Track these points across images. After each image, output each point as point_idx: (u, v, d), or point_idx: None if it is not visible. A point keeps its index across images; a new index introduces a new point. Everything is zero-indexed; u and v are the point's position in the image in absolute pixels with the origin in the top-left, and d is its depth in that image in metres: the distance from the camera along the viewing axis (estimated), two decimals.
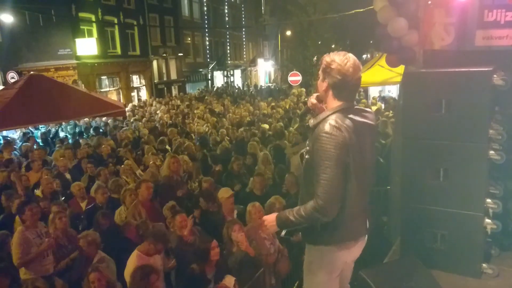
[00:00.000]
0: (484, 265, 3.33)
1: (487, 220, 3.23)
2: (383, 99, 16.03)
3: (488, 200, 3.23)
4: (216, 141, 9.01)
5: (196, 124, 11.60)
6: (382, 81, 13.11)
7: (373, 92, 17.77)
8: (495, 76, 3.07)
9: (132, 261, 3.95)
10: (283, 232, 2.45)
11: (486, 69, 3.11)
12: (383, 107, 13.71)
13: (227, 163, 7.16)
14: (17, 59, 18.84)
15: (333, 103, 2.35)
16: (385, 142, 7.54)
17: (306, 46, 31.72)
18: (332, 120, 2.23)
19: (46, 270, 4.42)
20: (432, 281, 3.13)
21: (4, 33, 18.88)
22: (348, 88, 2.31)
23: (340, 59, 2.28)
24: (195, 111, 14.92)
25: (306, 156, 2.37)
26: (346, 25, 36.14)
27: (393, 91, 15.95)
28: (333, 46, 49.58)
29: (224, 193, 5.32)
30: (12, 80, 15.42)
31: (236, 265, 4.22)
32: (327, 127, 2.20)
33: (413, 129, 3.45)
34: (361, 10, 11.28)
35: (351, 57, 2.30)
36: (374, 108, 13.72)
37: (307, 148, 2.36)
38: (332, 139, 2.17)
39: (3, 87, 12.23)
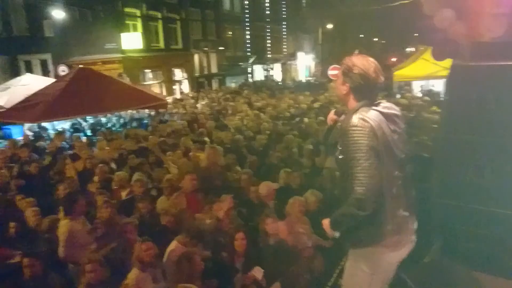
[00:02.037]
0: None
1: None
2: (428, 93, 15.47)
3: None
4: (250, 135, 9.04)
5: (234, 117, 11.71)
6: (426, 75, 12.67)
7: (417, 87, 17.19)
8: None
9: (171, 250, 4.08)
10: (336, 234, 2.45)
11: None
12: (425, 102, 13.21)
13: (263, 156, 7.19)
14: (67, 53, 19.74)
15: (354, 103, 2.39)
16: (427, 138, 7.29)
17: (347, 39, 31.01)
18: (357, 114, 2.27)
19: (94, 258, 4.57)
20: (473, 283, 3.03)
21: (56, 28, 19.87)
22: (370, 92, 2.35)
23: (362, 63, 2.32)
24: (233, 104, 15.04)
25: (340, 157, 2.37)
26: (389, 17, 35.03)
27: (437, 86, 15.34)
28: (375, 39, 48.45)
29: (266, 186, 5.34)
30: (63, 73, 16.18)
31: (270, 257, 4.26)
32: (353, 120, 2.24)
33: (458, 125, 3.33)
34: (406, 1, 10.91)
35: (372, 61, 2.35)
36: (420, 102, 13.28)
37: (339, 148, 2.37)
38: (360, 130, 2.20)
39: (54, 79, 12.85)
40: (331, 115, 2.74)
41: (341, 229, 2.45)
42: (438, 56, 4.81)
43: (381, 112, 2.31)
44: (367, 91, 2.34)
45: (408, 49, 37.56)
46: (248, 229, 4.66)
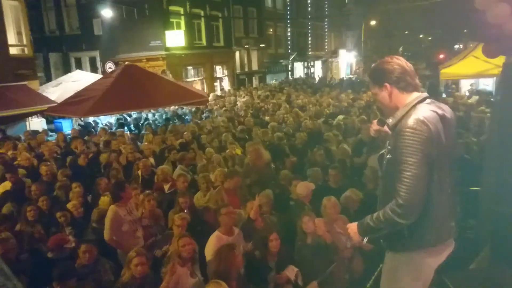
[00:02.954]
0: None
1: None
2: (477, 92, 14.75)
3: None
4: (290, 133, 9.00)
5: (274, 115, 11.70)
6: (477, 73, 12.05)
7: (465, 85, 16.44)
8: None
9: (213, 241, 4.16)
10: (365, 240, 2.37)
11: None
12: (476, 102, 12.61)
13: (302, 154, 7.15)
14: (114, 51, 20.53)
15: (404, 98, 2.26)
16: (476, 140, 6.97)
17: (392, 36, 30.19)
18: (415, 114, 2.11)
19: (136, 243, 4.73)
20: None
21: (104, 27, 20.71)
22: (409, 77, 2.25)
23: (383, 60, 2.32)
24: (274, 101, 15.03)
25: (388, 156, 2.25)
26: (436, 12, 33.70)
27: (489, 84, 14.58)
28: (421, 36, 46.79)
29: (304, 186, 5.30)
30: (110, 70, 16.83)
31: (309, 255, 4.23)
32: (411, 121, 2.08)
33: (510, 126, 3.15)
34: None
35: (393, 57, 2.32)
36: (469, 101, 12.72)
37: (388, 147, 2.26)
38: (417, 134, 2.04)
39: (102, 76, 13.41)
40: (374, 126, 2.61)
41: (372, 236, 2.34)
42: (490, 53, 4.58)
43: (438, 115, 2.17)
44: (406, 77, 2.24)
45: (456, 46, 35.96)
46: (285, 228, 4.66)
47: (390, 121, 2.29)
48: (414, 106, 2.19)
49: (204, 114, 13.78)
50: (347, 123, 9.56)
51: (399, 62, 2.25)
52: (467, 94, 15.08)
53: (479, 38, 5.20)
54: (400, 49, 44.99)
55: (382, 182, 2.41)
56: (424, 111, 2.14)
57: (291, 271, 4.07)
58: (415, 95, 2.23)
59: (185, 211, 5.00)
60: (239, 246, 4.02)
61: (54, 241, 4.52)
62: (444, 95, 14.61)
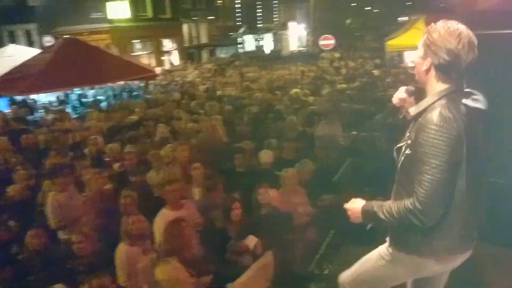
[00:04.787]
0: None
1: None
2: None
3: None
4: (242, 106, 9.01)
5: (227, 87, 11.61)
6: None
7: (409, 56, 17.09)
8: None
9: (159, 218, 4.10)
10: (369, 226, 2.18)
11: None
12: None
13: (255, 127, 7.19)
14: (53, 23, 19.19)
15: (438, 86, 1.90)
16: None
17: (339, 8, 30.58)
18: (442, 108, 1.80)
19: (83, 226, 4.60)
20: None
21: None
22: (459, 70, 1.85)
23: (450, 34, 1.80)
24: (225, 75, 14.89)
25: (407, 151, 1.96)
26: None
27: None
28: (367, 8, 47.78)
29: (267, 154, 5.36)
30: (48, 44, 15.78)
31: (265, 225, 4.31)
32: (437, 117, 1.78)
33: None
34: None
35: (463, 32, 1.81)
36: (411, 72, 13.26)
37: (408, 141, 1.96)
38: (444, 133, 1.76)
39: (40, 50, 12.54)
40: (400, 94, 2.18)
41: (377, 225, 2.14)
42: None
43: (470, 109, 1.87)
44: (455, 70, 1.85)
45: (400, 19, 37.14)
46: (247, 199, 4.71)
47: (412, 109, 1.99)
48: (445, 96, 1.87)
49: (154, 89, 13.40)
50: (298, 95, 9.67)
51: (459, 48, 1.79)
52: (411, 65, 15.71)
53: (422, 10, 5.37)
54: (348, 21, 45.77)
55: (397, 175, 2.12)
56: (453, 104, 1.84)
57: (251, 241, 4.12)
58: (449, 85, 1.89)
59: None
60: (188, 220, 4.01)
61: None
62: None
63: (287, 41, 43.92)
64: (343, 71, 14.60)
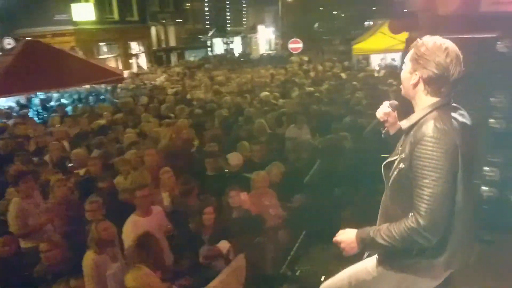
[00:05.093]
0: None
1: (483, 188, 3.26)
2: (386, 67, 15.86)
3: (486, 168, 3.25)
4: (212, 110, 8.99)
5: (197, 91, 11.53)
6: (384, 48, 12.96)
7: (374, 60, 17.56)
8: (499, 43, 3.03)
9: (129, 225, 4.05)
10: (366, 255, 2.06)
11: (490, 35, 3.05)
12: (384, 75, 13.56)
13: (226, 130, 7.18)
14: (13, 25, 18.46)
15: (427, 99, 1.90)
16: None
17: (307, 12, 31.02)
18: (436, 121, 1.78)
19: (48, 235, 4.45)
20: None
21: None
22: (447, 84, 1.86)
23: (438, 48, 1.82)
24: (194, 78, 14.80)
25: (401, 165, 1.90)
26: None
27: (397, 59, 15.74)
28: (335, 12, 48.71)
29: (236, 156, 5.36)
30: (9, 46, 15.19)
31: (236, 228, 4.30)
32: (432, 129, 1.76)
33: None
34: None
35: (450, 46, 1.84)
36: (377, 75, 13.63)
37: (402, 155, 1.91)
38: (442, 145, 1.74)
39: (0, 53, 12.05)
40: (385, 109, 2.18)
41: (377, 251, 2.04)
42: (395, 29, 4.92)
43: (459, 123, 1.88)
44: (443, 84, 1.85)
45: (366, 23, 38.09)
46: (219, 202, 4.69)
47: (403, 123, 1.98)
48: (435, 109, 1.86)
49: (122, 93, 13.13)
50: (268, 98, 9.74)
51: (448, 64, 1.81)
52: (377, 68, 16.14)
53: (385, 15, 5.54)
54: (316, 25, 46.49)
55: (389, 192, 2.05)
56: (445, 117, 1.83)
57: (224, 245, 4.11)
58: (438, 99, 1.89)
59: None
60: (157, 226, 3.96)
61: None
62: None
63: (256, 44, 44.11)
64: (312, 74, 14.81)
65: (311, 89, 10.66)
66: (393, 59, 16.24)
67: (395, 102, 2.16)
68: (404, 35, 5.19)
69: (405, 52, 4.52)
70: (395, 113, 2.16)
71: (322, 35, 40.29)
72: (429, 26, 3.97)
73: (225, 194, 4.55)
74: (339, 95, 9.89)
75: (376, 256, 2.12)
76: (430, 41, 1.85)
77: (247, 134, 6.84)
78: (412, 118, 1.92)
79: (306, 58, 21.29)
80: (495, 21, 3.80)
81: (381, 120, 2.21)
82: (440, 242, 1.85)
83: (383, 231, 1.87)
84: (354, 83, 11.31)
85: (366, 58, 17.40)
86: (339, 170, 6.45)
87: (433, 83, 1.85)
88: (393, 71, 13.35)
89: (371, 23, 30.50)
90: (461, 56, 1.84)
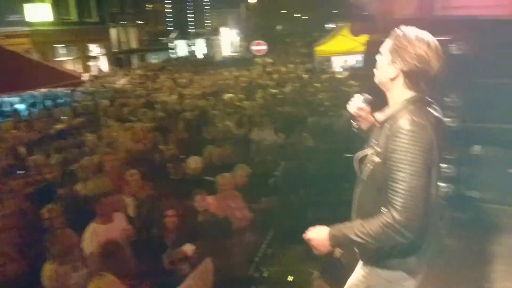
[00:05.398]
0: None
1: (440, 184, 3.39)
2: (348, 68, 16.23)
3: (443, 165, 3.38)
4: (177, 112, 8.90)
5: (159, 94, 11.35)
6: (346, 50, 13.28)
7: (337, 62, 17.93)
8: (451, 45, 3.17)
9: (89, 233, 3.92)
10: (340, 256, 2.06)
11: (443, 38, 3.19)
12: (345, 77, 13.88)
13: (191, 133, 7.11)
14: None
15: (403, 93, 1.83)
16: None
17: (270, 14, 31.28)
18: (413, 114, 1.73)
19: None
20: None
21: None
22: (428, 79, 1.79)
23: (420, 40, 1.74)
24: (157, 81, 14.57)
25: (377, 160, 1.84)
26: None
27: (358, 60, 16.13)
28: (297, 15, 49.42)
29: (194, 161, 5.30)
30: None
31: (203, 232, 4.26)
32: (407, 123, 1.71)
33: (375, 97, 3.52)
34: None
35: (431, 39, 1.76)
36: (340, 76, 13.93)
37: (376, 149, 1.85)
38: (418, 139, 1.69)
39: None
40: (358, 103, 2.12)
41: (349, 248, 1.98)
42: (355, 32, 5.06)
43: (435, 117, 1.83)
44: (423, 78, 1.78)
45: (328, 26, 38.87)
46: (183, 206, 4.63)
47: (378, 116, 1.93)
48: (412, 103, 1.80)
49: (82, 97, 12.73)
50: (232, 100, 9.73)
51: (428, 56, 1.73)
52: (340, 70, 16.49)
53: (346, 18, 5.67)
54: (279, 27, 46.98)
55: (362, 187, 1.99)
56: (421, 110, 1.78)
57: (188, 249, 4.07)
58: (414, 94, 1.83)
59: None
60: (119, 233, 3.87)
61: None
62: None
63: (220, 47, 44.04)
64: (275, 76, 14.94)
65: (275, 90, 10.76)
66: (357, 61, 16.66)
67: (369, 97, 2.09)
68: (364, 37, 5.35)
69: (366, 54, 4.65)
70: (368, 108, 2.10)
71: (285, 37, 40.79)
72: (387, 28, 4.10)
73: (190, 197, 4.50)
74: (302, 97, 10.03)
75: (361, 262, 2.06)
76: (412, 33, 1.77)
77: (212, 136, 6.81)
78: (388, 111, 1.87)
79: (269, 60, 21.44)
80: (448, 24, 3.98)
81: (354, 114, 2.14)
82: (420, 239, 1.81)
83: (357, 227, 1.80)
84: (317, 84, 11.50)
85: (329, 60, 17.74)
86: (304, 171, 6.54)
87: (414, 77, 1.78)
88: (355, 73, 13.70)
89: (332, 25, 31.19)
90: (442, 51, 1.76)
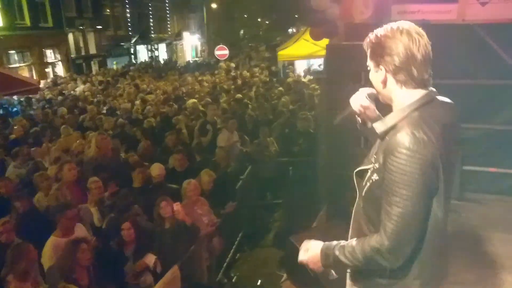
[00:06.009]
0: None
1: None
2: (311, 72, 16.51)
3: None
4: (140, 118, 8.73)
5: (121, 100, 11.08)
6: (308, 54, 13.49)
7: (300, 66, 18.19)
8: None
9: (49, 247, 3.79)
10: (333, 275, 1.86)
11: None
12: (309, 80, 14.10)
13: (154, 139, 6.99)
14: None
15: (403, 96, 1.62)
16: (311, 114, 7.83)
17: (232, 19, 31.36)
18: (414, 128, 1.51)
19: None
20: None
21: None
22: (417, 65, 1.56)
23: (392, 31, 1.58)
24: (118, 87, 14.24)
25: (374, 177, 1.67)
26: None
27: (321, 64, 16.43)
28: (259, 19, 49.79)
29: (157, 168, 5.20)
30: None
31: (169, 239, 4.19)
32: (407, 139, 1.49)
33: (336, 100, 3.60)
34: None
35: (406, 25, 1.59)
36: (303, 80, 14.12)
37: (376, 165, 1.67)
38: (418, 159, 1.48)
39: None
40: (362, 101, 1.88)
41: (341, 269, 1.84)
42: (316, 36, 5.14)
43: (444, 122, 1.59)
44: (412, 66, 1.57)
45: (290, 30, 39.40)
46: (147, 214, 4.55)
47: (378, 125, 1.67)
48: (415, 110, 1.59)
49: (39, 104, 12.23)
50: (196, 105, 9.64)
51: (408, 42, 1.54)
52: (303, 74, 16.74)
53: (307, 22, 5.78)
54: (241, 31, 47.15)
55: (362, 203, 1.81)
56: (425, 120, 1.55)
57: (150, 259, 3.99)
58: (419, 94, 1.61)
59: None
60: (80, 245, 3.75)
61: None
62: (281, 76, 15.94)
63: (182, 51, 43.60)
64: (239, 80, 14.96)
65: (239, 95, 10.77)
66: (319, 65, 16.96)
67: (374, 92, 1.83)
68: (325, 41, 5.46)
69: (326, 58, 4.74)
70: (373, 105, 1.87)
71: (248, 42, 40.98)
72: (346, 33, 4.21)
73: (155, 205, 4.41)
74: (266, 101, 10.09)
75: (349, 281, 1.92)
76: (381, 29, 1.62)
77: (175, 143, 6.71)
78: (388, 121, 1.64)
79: (233, 65, 21.46)
80: None
81: (358, 112, 1.91)
82: (413, 263, 1.65)
83: (348, 248, 1.67)
84: (280, 88, 11.61)
85: (292, 63, 17.96)
86: (268, 175, 6.57)
87: (402, 71, 1.58)
88: (318, 77, 13.94)
89: (294, 30, 31.63)
90: (423, 32, 1.59)
